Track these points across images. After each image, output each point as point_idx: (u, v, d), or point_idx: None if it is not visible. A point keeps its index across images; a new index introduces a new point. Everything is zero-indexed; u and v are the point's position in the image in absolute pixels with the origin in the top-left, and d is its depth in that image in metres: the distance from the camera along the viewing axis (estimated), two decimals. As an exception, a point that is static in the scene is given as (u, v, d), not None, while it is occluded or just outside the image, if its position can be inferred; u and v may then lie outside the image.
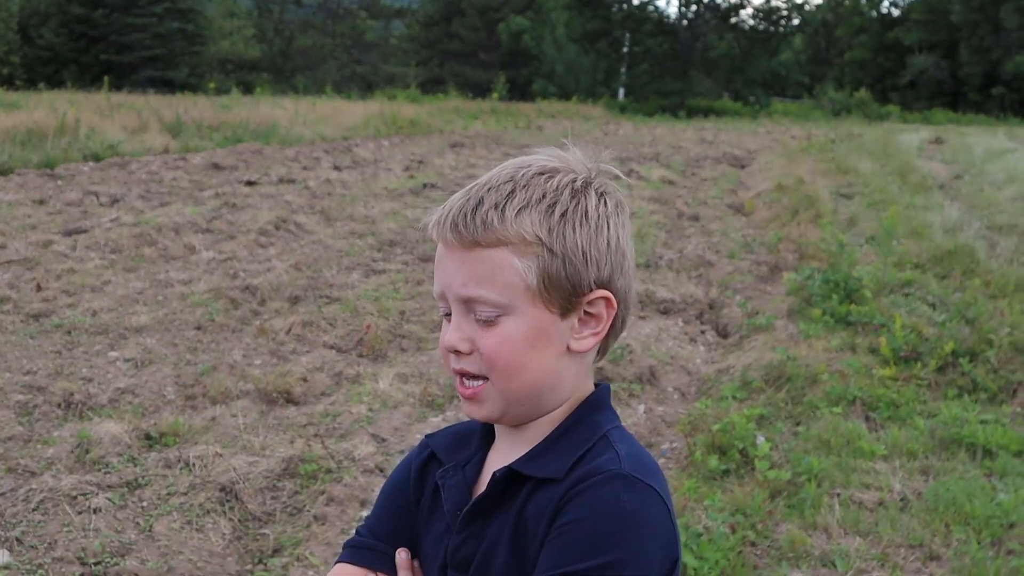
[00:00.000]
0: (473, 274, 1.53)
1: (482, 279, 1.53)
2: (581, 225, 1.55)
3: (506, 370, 1.55)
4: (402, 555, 1.72)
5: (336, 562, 1.77)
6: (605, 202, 1.59)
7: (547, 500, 1.54)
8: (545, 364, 1.57)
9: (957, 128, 42.09)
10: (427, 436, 1.81)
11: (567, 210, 1.54)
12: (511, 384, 1.56)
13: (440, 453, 1.75)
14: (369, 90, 55.94)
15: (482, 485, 1.67)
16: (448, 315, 1.60)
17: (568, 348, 1.59)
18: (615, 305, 1.60)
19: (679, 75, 56.81)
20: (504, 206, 1.53)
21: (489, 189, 1.56)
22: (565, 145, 1.65)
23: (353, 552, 1.76)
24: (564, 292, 1.55)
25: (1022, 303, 8.33)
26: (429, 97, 47.74)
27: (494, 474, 1.60)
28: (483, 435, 1.72)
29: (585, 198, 1.57)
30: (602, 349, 1.67)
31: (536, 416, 1.63)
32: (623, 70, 59.88)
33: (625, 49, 59.38)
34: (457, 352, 1.57)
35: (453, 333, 1.57)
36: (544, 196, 1.54)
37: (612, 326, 1.62)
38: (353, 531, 1.83)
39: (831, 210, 13.74)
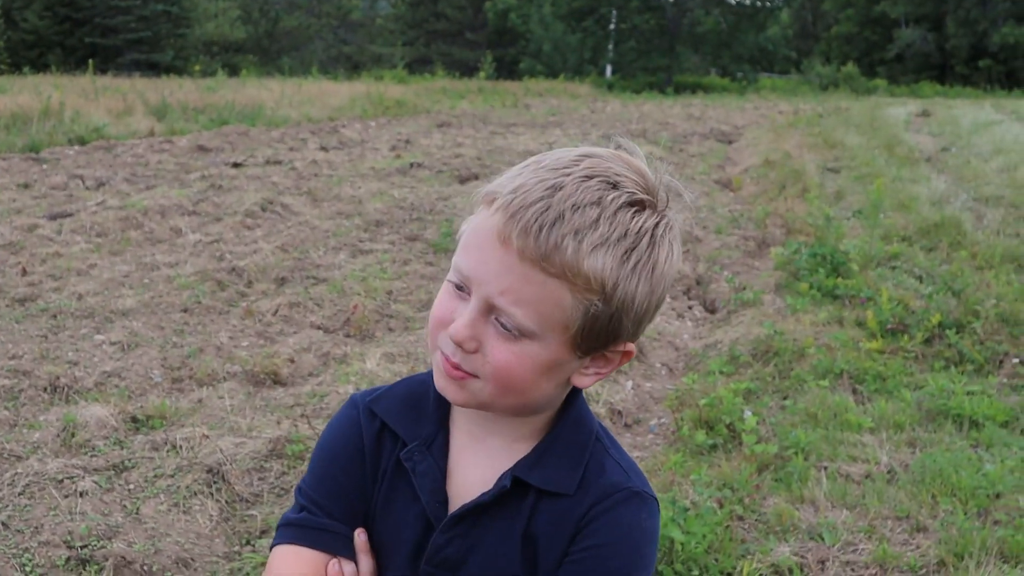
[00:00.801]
0: (517, 290, 1.40)
1: (524, 300, 1.40)
2: (645, 281, 1.44)
3: (507, 388, 1.46)
4: (362, 537, 1.62)
5: (284, 542, 1.61)
6: (671, 253, 1.48)
7: (560, 515, 1.53)
8: (545, 391, 1.51)
9: (944, 101, 42.15)
10: (369, 402, 1.67)
11: (640, 260, 1.42)
12: (504, 399, 1.49)
13: (395, 426, 1.63)
14: (355, 71, 55.70)
15: (454, 470, 1.60)
16: (460, 289, 1.47)
17: (570, 380, 1.53)
18: (632, 356, 1.54)
19: (666, 52, 56.69)
20: (584, 236, 1.38)
21: (574, 207, 1.39)
22: (632, 150, 1.51)
23: (308, 533, 1.61)
24: (597, 342, 1.47)
25: (1008, 274, 8.35)
26: (416, 77, 47.61)
27: (502, 483, 1.53)
28: (437, 403, 1.62)
29: (659, 249, 1.45)
30: None
31: (516, 416, 1.58)
32: (610, 47, 59.67)
33: (612, 26, 59.16)
34: (459, 344, 1.46)
35: (464, 328, 1.44)
36: (625, 236, 1.41)
37: None
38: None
39: (818, 184, 13.75)
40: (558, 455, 1.55)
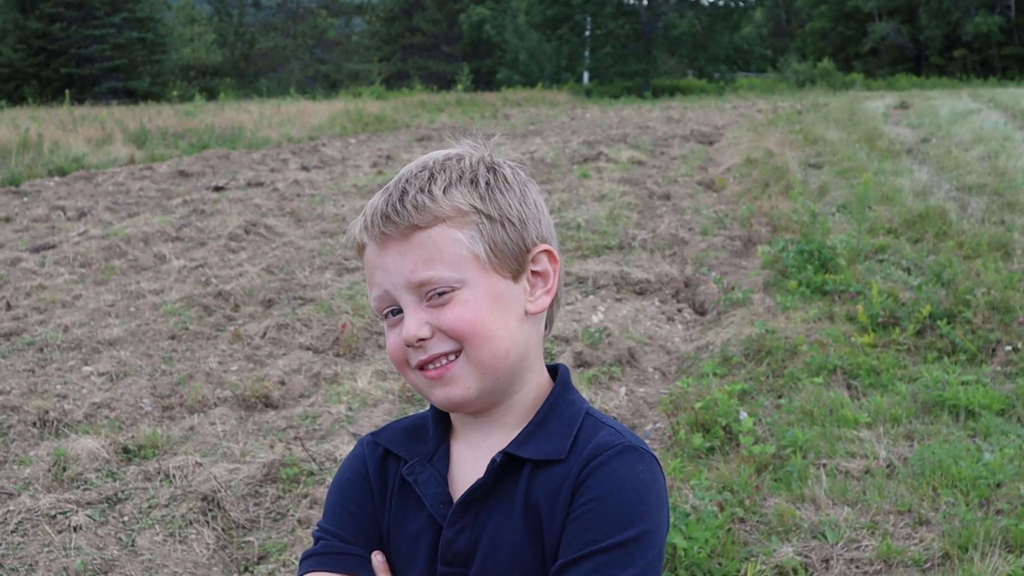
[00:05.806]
0: (420, 258, 1.54)
1: (430, 260, 1.54)
2: (507, 190, 1.60)
3: (475, 336, 1.55)
4: (378, 558, 1.68)
5: (308, 571, 1.68)
6: (517, 173, 1.65)
7: (556, 481, 1.56)
8: (511, 329, 1.58)
9: (921, 92, 42.22)
10: (372, 435, 1.78)
11: (489, 180, 1.60)
12: (484, 352, 1.56)
13: (396, 449, 1.72)
14: (333, 89, 55.75)
15: (456, 476, 1.66)
16: (391, 313, 1.60)
17: (526, 312, 1.61)
18: (558, 259, 1.64)
19: (642, 56, 56.73)
20: (429, 187, 1.58)
21: (407, 180, 1.59)
22: (450, 143, 1.71)
23: (328, 559, 1.68)
24: (512, 254, 1.58)
25: (996, 262, 8.33)
26: (394, 92, 47.62)
27: (493, 459, 1.59)
28: (437, 426, 1.70)
29: (499, 169, 1.63)
30: (548, 322, 1.69)
31: (508, 396, 1.63)
32: (586, 54, 59.70)
33: (587, 33, 59.18)
34: (420, 341, 1.56)
35: (410, 323, 1.56)
36: (463, 174, 1.59)
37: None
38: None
39: (801, 181, 13.74)
40: (548, 430, 1.62)
